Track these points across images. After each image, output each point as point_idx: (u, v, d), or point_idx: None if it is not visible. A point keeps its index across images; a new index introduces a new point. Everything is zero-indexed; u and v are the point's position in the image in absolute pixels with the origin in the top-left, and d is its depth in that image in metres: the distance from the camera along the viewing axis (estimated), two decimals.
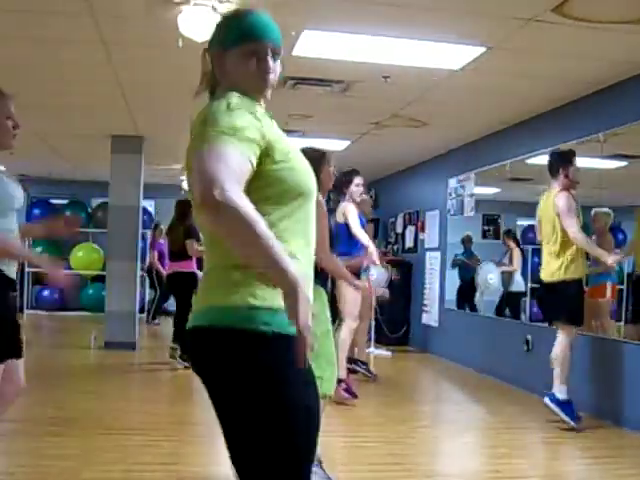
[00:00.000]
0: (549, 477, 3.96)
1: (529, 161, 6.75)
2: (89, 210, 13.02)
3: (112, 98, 6.49)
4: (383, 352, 8.77)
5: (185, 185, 11.66)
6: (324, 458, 3.74)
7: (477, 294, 8.23)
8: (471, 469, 4.16)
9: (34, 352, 8.38)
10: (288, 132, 8.49)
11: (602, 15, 4.06)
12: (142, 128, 8.06)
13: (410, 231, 10.07)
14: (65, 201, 13.11)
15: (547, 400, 5.11)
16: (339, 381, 5.74)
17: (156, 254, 11.37)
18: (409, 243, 10.10)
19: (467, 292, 8.46)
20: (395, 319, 9.69)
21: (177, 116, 7.45)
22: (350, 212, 5.87)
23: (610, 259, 5.02)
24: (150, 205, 12.88)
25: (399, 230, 10.53)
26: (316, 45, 4.83)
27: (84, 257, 12.16)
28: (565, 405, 5.06)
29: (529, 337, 6.53)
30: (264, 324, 1.59)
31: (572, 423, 4.94)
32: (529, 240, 8.19)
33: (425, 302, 9.31)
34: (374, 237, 10.02)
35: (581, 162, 6.49)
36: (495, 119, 6.88)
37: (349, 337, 5.89)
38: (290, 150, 1.75)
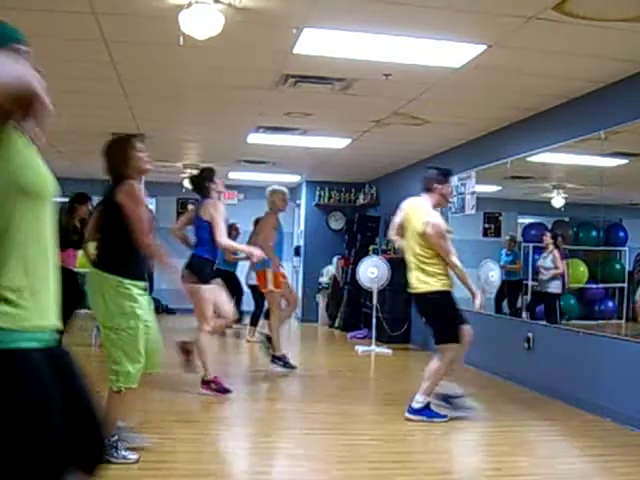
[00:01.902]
0: (550, 475, 3.97)
1: (530, 159, 6.74)
2: (89, 208, 13.00)
3: (113, 96, 6.50)
4: (384, 350, 8.78)
5: (186, 183, 11.69)
6: (324, 456, 3.75)
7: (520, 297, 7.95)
8: (472, 467, 4.17)
9: None
10: (289, 130, 8.59)
11: (603, 13, 4.05)
12: (143, 126, 8.06)
13: None
14: (65, 199, 13.09)
15: (408, 415, 5.09)
16: (209, 382, 5.55)
17: None
18: None
19: (509, 295, 8.08)
20: (396, 317, 9.69)
21: (178, 114, 7.48)
22: (218, 211, 5.39)
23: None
24: (151, 203, 12.87)
25: None
26: (317, 43, 4.83)
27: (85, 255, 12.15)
28: (426, 411, 5.08)
29: (530, 335, 6.53)
30: None
31: (444, 419, 5.05)
32: (530, 238, 8.19)
33: None
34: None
35: (582, 160, 6.51)
36: (496, 117, 6.88)
37: (207, 342, 5.57)
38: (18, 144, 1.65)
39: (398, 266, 9.68)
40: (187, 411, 5.11)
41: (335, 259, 12.14)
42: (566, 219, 8.15)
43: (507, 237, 8.10)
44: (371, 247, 11.09)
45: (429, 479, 3.91)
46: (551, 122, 6.35)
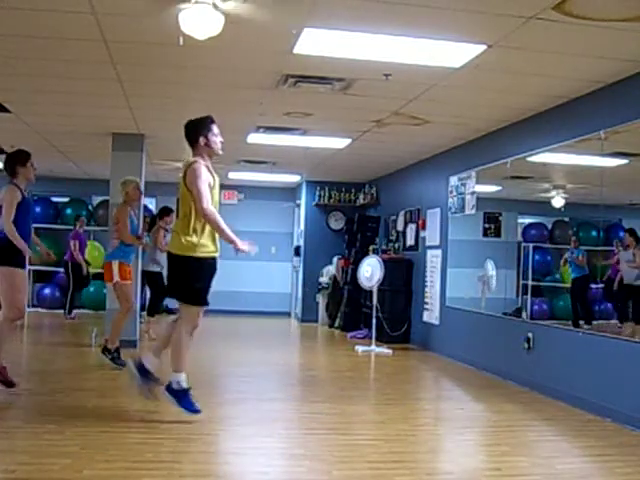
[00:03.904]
0: (550, 475, 3.96)
1: (530, 159, 6.74)
2: (90, 208, 13.03)
3: (113, 96, 6.50)
4: (384, 350, 8.79)
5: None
6: (324, 456, 3.74)
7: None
8: (472, 467, 4.16)
9: (35, 350, 8.40)
10: (289, 130, 8.60)
11: (603, 13, 4.05)
12: (143, 126, 8.07)
13: (411, 229, 10.08)
14: (66, 199, 13.11)
15: (164, 390, 4.73)
16: None
17: (77, 244, 11.42)
18: (410, 241, 10.11)
19: (579, 293, 7.67)
20: (396, 317, 9.70)
21: (178, 114, 7.46)
22: (11, 197, 5.32)
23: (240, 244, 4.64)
24: (151, 203, 12.89)
25: (400, 228, 10.52)
26: (317, 43, 4.83)
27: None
28: (181, 395, 4.69)
29: (530, 335, 6.53)
30: None
31: (191, 413, 4.67)
32: (530, 238, 8.19)
33: (426, 300, 9.32)
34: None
35: (582, 160, 6.51)
36: (496, 117, 6.88)
37: (6, 327, 5.32)
38: None
39: (396, 266, 9.77)
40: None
41: (335, 259, 12.15)
42: (566, 219, 8.14)
43: (573, 237, 8.11)
44: (371, 247, 11.10)
45: (429, 479, 3.91)
46: (551, 122, 6.35)
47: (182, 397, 4.68)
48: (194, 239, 4.61)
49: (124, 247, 6.98)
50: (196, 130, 4.73)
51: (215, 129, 4.78)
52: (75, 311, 11.57)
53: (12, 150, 5.63)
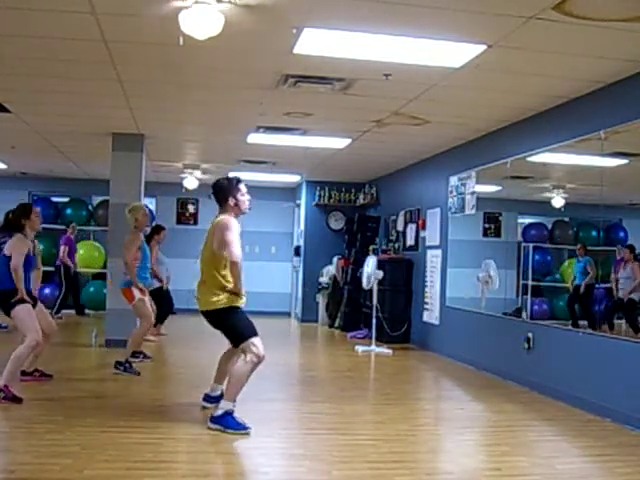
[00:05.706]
0: (550, 475, 3.96)
1: (530, 159, 6.75)
2: (90, 208, 13.02)
3: (113, 96, 6.50)
4: (384, 350, 8.79)
5: (186, 183, 11.69)
6: (324, 456, 3.73)
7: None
8: (472, 467, 4.16)
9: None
10: (289, 130, 8.59)
11: (603, 13, 4.05)
12: (143, 126, 8.07)
13: (411, 229, 10.08)
14: (66, 199, 13.11)
15: (210, 424, 4.60)
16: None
17: (66, 248, 11.46)
18: (410, 241, 10.10)
19: (583, 299, 7.56)
20: (396, 317, 9.70)
21: (178, 114, 7.48)
22: (19, 246, 5.55)
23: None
24: (151, 203, 12.89)
25: (400, 228, 10.52)
26: (317, 43, 4.83)
27: (85, 255, 12.17)
28: (226, 418, 4.60)
29: (530, 335, 6.53)
30: None
31: (243, 431, 4.54)
32: (530, 238, 8.19)
33: (426, 300, 9.32)
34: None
35: (582, 160, 6.51)
36: (496, 117, 6.88)
37: (27, 352, 5.39)
38: None
39: (396, 266, 9.77)
40: (189, 410, 5.12)
41: (335, 259, 12.15)
42: (566, 219, 8.14)
43: (578, 245, 8.06)
44: (371, 247, 11.10)
45: (429, 479, 3.91)
46: (551, 122, 6.35)
47: (228, 419, 4.58)
48: (223, 295, 4.75)
49: (140, 274, 6.95)
50: (226, 191, 4.85)
51: (243, 189, 4.89)
52: (62, 311, 11.61)
53: (15, 208, 5.84)
